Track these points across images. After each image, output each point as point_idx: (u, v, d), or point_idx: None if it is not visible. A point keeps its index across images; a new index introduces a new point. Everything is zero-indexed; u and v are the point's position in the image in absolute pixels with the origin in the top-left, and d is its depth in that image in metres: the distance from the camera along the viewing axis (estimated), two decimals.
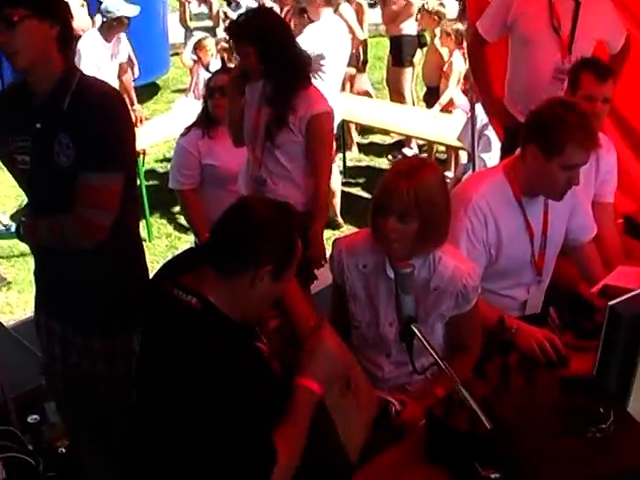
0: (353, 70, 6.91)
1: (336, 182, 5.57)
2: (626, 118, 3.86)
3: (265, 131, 3.16)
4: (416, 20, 6.97)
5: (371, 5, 9.22)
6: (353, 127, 6.90)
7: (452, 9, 7.72)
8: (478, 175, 2.89)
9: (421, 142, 6.72)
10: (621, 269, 2.74)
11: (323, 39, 4.95)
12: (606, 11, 3.52)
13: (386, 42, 7.62)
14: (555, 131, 2.39)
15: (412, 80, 7.12)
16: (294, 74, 3.09)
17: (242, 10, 7.33)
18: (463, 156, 5.82)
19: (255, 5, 7.53)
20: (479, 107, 4.24)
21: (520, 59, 3.58)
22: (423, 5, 6.87)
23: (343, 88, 6.17)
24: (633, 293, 1.80)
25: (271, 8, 4.16)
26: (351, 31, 6.40)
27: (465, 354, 2.33)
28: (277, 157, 3.22)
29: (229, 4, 8.33)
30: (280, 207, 1.73)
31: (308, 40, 4.78)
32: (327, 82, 5.01)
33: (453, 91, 6.30)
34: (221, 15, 8.15)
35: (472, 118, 4.52)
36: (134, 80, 6.46)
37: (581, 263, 2.84)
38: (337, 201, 5.62)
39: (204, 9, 8.08)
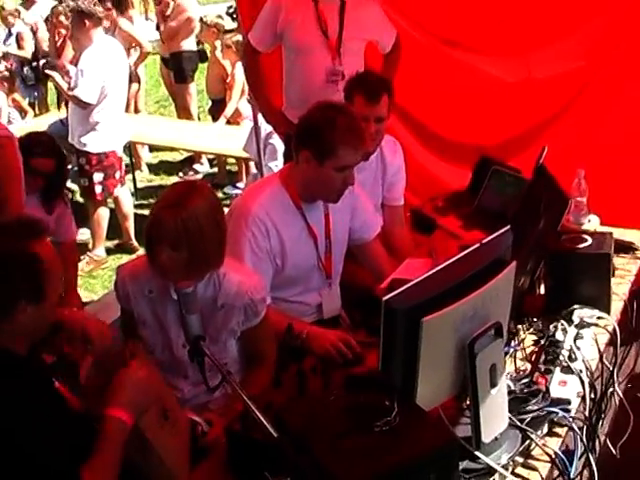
0: (136, 86, 6.78)
1: (128, 205, 5.44)
2: (411, 113, 4.01)
3: None
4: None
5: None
6: (140, 147, 6.77)
7: (231, 20, 7.80)
8: (256, 186, 2.85)
9: (211, 156, 6.72)
10: (409, 262, 2.82)
11: (101, 62, 4.91)
12: (372, 12, 3.60)
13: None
14: (325, 134, 2.46)
15: (195, 95, 7.13)
16: None
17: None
18: (253, 166, 5.88)
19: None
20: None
21: (293, 66, 3.63)
22: (201, 18, 6.84)
23: (127, 109, 6.02)
24: (406, 286, 1.82)
25: None
26: (137, 43, 6.32)
27: (262, 366, 2.37)
28: None
29: None
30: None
31: (86, 66, 4.70)
32: (111, 105, 4.93)
33: (238, 102, 6.35)
34: None
35: (256, 128, 4.56)
36: None
37: (369, 261, 2.91)
38: (130, 224, 5.47)
39: None
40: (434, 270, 1.86)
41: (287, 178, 2.63)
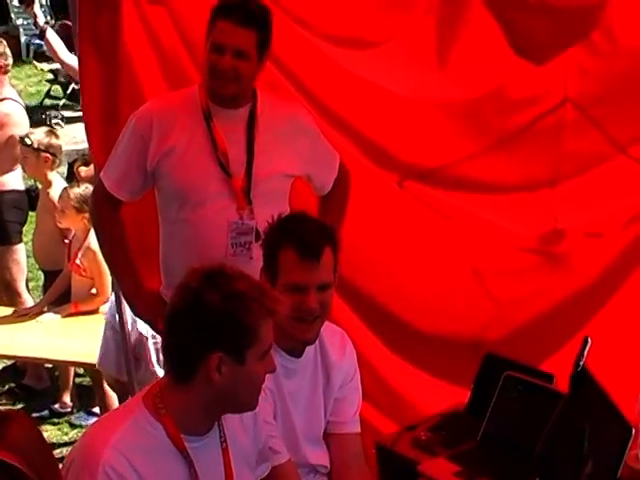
0: None
1: None
2: (362, 288, 4.02)
3: None
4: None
5: None
6: None
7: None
8: (108, 418, 2.74)
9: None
10: None
11: None
12: (298, 127, 3.53)
13: None
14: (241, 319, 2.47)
15: None
16: None
17: None
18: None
19: None
20: None
21: (175, 225, 3.50)
22: (22, 138, 6.36)
23: None
24: None
25: None
26: None
27: None
28: None
29: None
30: None
31: None
32: None
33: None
34: None
35: (122, 324, 4.25)
36: None
37: None
38: None
39: None
40: None
41: (160, 403, 2.51)
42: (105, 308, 5.56)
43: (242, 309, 2.48)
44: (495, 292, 3.99)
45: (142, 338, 4.67)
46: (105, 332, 4.81)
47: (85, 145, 4.38)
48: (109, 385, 5.30)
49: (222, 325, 2.50)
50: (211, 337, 2.50)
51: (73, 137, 9.88)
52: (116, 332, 4.50)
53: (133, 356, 4.48)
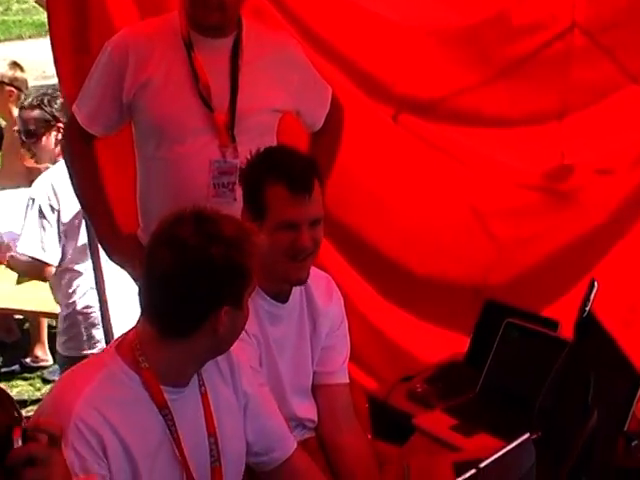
0: None
1: None
2: (353, 228, 4.06)
3: None
4: None
5: None
6: None
7: None
8: (76, 373, 2.70)
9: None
10: None
11: None
12: (288, 59, 3.53)
13: None
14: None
15: None
16: None
17: None
18: None
19: None
20: None
21: (153, 163, 3.48)
22: None
23: None
24: None
25: None
26: None
27: None
28: None
29: None
30: None
31: None
32: None
33: None
34: None
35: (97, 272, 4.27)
36: None
37: None
38: None
39: None
40: None
41: (140, 356, 2.55)
42: None
43: (241, 255, 2.53)
44: (496, 233, 4.02)
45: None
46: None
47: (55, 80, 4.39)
48: None
49: (231, 279, 2.54)
50: (220, 293, 2.55)
51: (42, 71, 9.81)
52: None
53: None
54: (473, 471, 1.95)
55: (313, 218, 2.94)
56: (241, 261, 2.57)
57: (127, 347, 2.63)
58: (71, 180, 3.78)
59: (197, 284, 2.56)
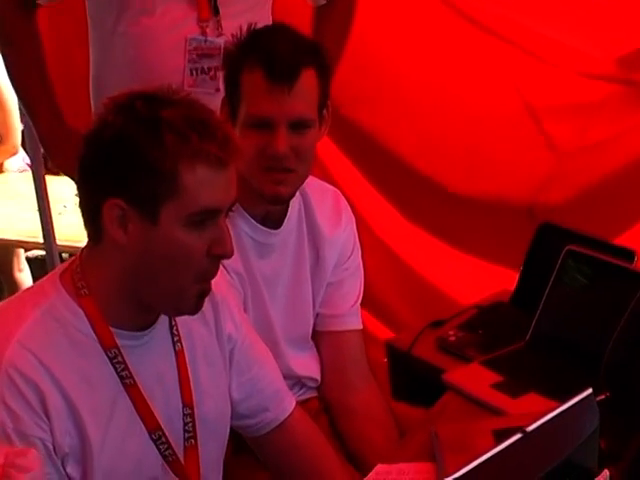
0: None
1: None
2: (377, 138, 4.04)
3: None
4: None
5: None
6: None
7: None
8: (10, 309, 2.60)
9: None
10: (380, 469, 2.69)
11: None
12: None
13: None
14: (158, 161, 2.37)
15: None
16: None
17: None
18: None
19: None
20: None
21: (114, 38, 3.37)
22: None
23: None
24: None
25: None
26: None
27: None
28: None
29: None
30: None
31: None
32: None
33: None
34: None
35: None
36: None
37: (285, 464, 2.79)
38: None
39: None
40: None
41: (80, 281, 2.43)
42: (11, 164, 5.92)
43: (151, 141, 2.31)
44: (556, 137, 3.88)
45: None
46: None
47: None
48: None
49: (119, 160, 2.36)
50: (106, 176, 2.37)
51: None
52: None
53: None
54: (518, 435, 1.93)
55: (295, 118, 2.79)
56: (146, 146, 2.36)
57: (70, 272, 2.50)
58: (5, 62, 3.66)
59: (85, 164, 2.44)
